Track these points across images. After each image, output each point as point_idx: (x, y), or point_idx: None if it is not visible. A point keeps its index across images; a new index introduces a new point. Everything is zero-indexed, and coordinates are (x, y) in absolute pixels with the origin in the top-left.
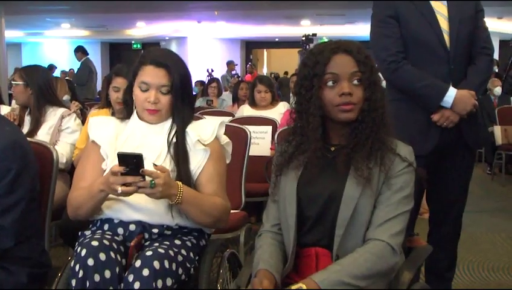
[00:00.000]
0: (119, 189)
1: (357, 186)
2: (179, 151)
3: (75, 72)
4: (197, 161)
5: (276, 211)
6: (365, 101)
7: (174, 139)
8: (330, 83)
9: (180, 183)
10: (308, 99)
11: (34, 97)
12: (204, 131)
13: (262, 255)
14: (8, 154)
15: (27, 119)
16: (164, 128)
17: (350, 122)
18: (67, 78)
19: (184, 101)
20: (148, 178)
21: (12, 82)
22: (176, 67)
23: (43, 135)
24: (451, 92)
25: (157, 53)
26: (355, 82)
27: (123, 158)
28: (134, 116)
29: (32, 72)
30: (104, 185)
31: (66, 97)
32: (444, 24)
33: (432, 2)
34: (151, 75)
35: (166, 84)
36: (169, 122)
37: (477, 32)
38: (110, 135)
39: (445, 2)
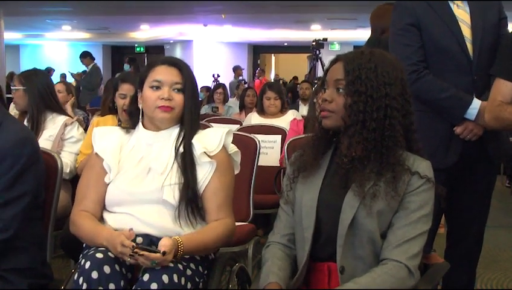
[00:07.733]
0: (128, 260)
1: (356, 197)
2: (186, 160)
3: (83, 76)
4: (203, 174)
5: (287, 220)
6: (344, 109)
7: (181, 149)
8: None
9: (178, 238)
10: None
11: (34, 102)
12: (211, 141)
13: (272, 267)
14: (18, 149)
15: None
16: (171, 136)
17: (344, 134)
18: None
19: (194, 103)
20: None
21: (12, 87)
22: (186, 69)
23: (42, 142)
24: (475, 104)
25: (167, 56)
26: (340, 90)
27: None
28: (140, 126)
29: (31, 76)
30: (108, 243)
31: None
32: (466, 32)
33: (454, 10)
34: (164, 73)
35: (179, 82)
36: (176, 130)
37: (500, 41)
38: (113, 147)
39: (468, 9)
